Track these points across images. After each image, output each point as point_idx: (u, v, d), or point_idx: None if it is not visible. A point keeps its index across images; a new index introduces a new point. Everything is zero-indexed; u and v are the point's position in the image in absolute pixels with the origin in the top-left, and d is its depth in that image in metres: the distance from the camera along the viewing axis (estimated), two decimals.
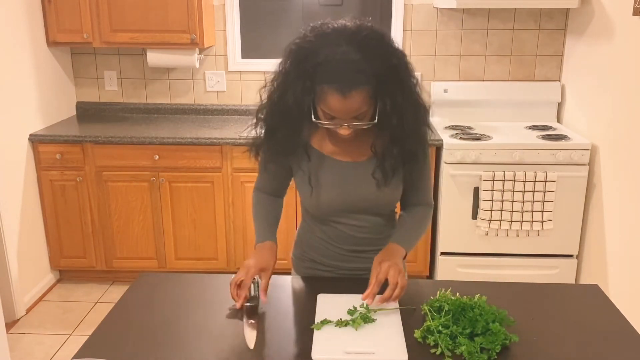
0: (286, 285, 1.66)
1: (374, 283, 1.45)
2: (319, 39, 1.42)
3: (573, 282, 3.33)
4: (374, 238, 1.67)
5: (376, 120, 1.45)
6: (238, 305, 1.50)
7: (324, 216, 1.65)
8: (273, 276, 1.69)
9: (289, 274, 1.77)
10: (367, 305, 1.45)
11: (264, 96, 1.55)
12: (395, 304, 1.47)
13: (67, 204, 3.43)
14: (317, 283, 1.66)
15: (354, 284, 1.62)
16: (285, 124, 1.51)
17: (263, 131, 1.57)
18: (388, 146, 1.52)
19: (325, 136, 1.60)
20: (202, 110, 3.87)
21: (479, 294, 1.47)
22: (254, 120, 1.58)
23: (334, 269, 1.71)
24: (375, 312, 1.44)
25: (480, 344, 1.31)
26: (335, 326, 1.39)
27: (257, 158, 1.63)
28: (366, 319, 1.41)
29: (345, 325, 1.39)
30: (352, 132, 1.47)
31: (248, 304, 1.50)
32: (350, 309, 1.46)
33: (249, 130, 1.60)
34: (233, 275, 1.54)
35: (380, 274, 1.46)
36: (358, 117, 1.44)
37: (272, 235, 1.67)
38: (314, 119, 1.46)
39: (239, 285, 1.52)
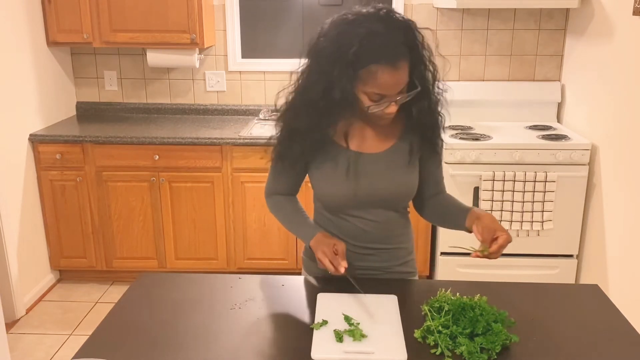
0: (286, 285, 1.66)
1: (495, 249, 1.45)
2: (347, 28, 1.43)
3: (573, 282, 3.33)
4: (385, 235, 1.67)
5: (419, 88, 1.47)
6: (342, 270, 1.49)
7: (341, 209, 1.64)
8: (272, 276, 1.70)
9: (290, 274, 1.77)
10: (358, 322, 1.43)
11: (291, 98, 1.55)
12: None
13: (67, 204, 3.43)
14: (317, 283, 1.66)
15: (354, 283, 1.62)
16: (324, 120, 1.52)
17: (290, 131, 1.57)
18: (423, 117, 1.55)
19: (346, 131, 1.59)
20: (202, 110, 3.87)
21: (479, 294, 1.48)
22: (281, 123, 1.59)
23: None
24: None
25: (480, 344, 1.31)
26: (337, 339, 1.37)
27: (280, 161, 1.63)
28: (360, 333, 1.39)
29: (352, 335, 1.37)
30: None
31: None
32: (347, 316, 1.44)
33: (273, 131, 1.61)
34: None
35: (502, 240, 1.46)
36: (402, 92, 1.47)
37: (316, 229, 1.65)
38: (365, 106, 1.46)
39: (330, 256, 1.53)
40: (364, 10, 1.46)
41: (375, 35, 1.40)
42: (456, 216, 1.62)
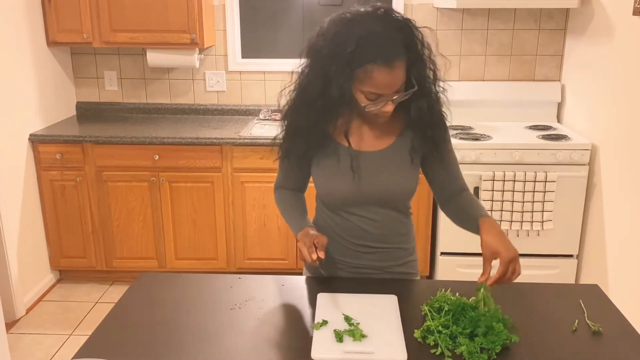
0: (286, 285, 1.66)
1: (496, 278, 1.42)
2: (345, 27, 1.44)
3: (573, 282, 3.33)
4: (384, 234, 1.67)
5: (416, 87, 1.46)
6: (314, 257, 1.49)
7: (341, 207, 1.65)
8: (272, 276, 1.70)
9: (290, 274, 1.77)
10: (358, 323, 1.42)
11: (292, 96, 1.56)
12: None
13: (67, 204, 3.43)
14: (317, 283, 1.66)
15: (354, 284, 1.63)
16: (323, 117, 1.54)
17: (293, 129, 1.59)
18: (423, 116, 1.54)
19: (346, 129, 1.59)
20: (202, 110, 3.87)
21: None
22: (285, 121, 1.60)
23: (343, 265, 1.71)
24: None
25: (481, 344, 1.31)
26: (338, 340, 1.37)
27: (287, 159, 1.65)
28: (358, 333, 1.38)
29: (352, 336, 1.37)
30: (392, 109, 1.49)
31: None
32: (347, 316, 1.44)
33: (275, 131, 1.63)
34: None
35: (509, 269, 1.42)
36: (399, 91, 1.46)
37: (306, 223, 1.67)
38: (362, 105, 1.47)
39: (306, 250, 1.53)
40: (362, 10, 1.46)
41: (372, 35, 1.41)
42: (470, 224, 1.59)
